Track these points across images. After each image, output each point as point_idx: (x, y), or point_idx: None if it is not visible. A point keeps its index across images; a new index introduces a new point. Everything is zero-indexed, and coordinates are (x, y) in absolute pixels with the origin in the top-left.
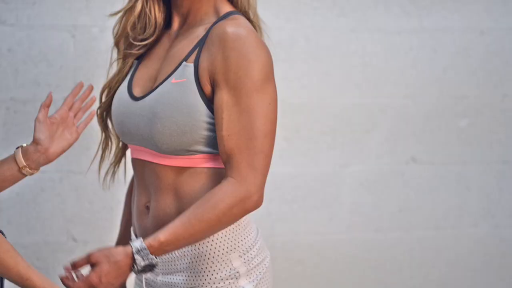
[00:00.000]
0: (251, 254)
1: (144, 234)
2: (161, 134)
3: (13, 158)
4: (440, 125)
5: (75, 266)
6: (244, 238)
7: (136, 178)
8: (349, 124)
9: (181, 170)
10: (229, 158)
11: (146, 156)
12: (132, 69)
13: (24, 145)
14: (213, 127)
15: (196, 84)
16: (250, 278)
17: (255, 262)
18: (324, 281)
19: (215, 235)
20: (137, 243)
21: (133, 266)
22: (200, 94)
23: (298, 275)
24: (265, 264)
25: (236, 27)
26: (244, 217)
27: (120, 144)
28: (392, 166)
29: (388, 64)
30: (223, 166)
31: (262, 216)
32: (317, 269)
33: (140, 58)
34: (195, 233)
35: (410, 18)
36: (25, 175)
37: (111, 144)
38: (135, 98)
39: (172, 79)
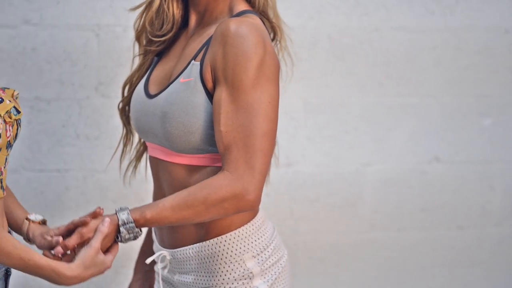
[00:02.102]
0: (265, 254)
1: (161, 232)
2: (170, 133)
3: (21, 224)
4: (463, 124)
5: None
6: (258, 238)
7: (152, 175)
8: (372, 123)
9: (192, 168)
10: (226, 152)
11: (160, 154)
12: (152, 66)
13: (32, 217)
14: None
15: (201, 83)
16: (264, 278)
17: (270, 262)
18: (346, 280)
19: (228, 235)
20: (123, 215)
21: (117, 237)
22: (205, 92)
23: (320, 274)
24: (281, 264)
25: (238, 24)
26: (259, 216)
27: (142, 139)
28: (415, 165)
29: (411, 63)
30: None
31: (285, 215)
32: (339, 268)
33: (159, 55)
34: (181, 218)
35: (433, 17)
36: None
37: (132, 139)
38: (150, 96)
39: (181, 78)
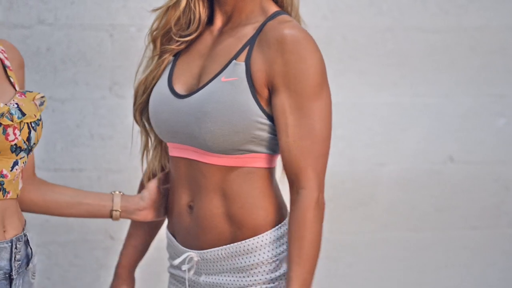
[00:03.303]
0: None
1: (185, 233)
2: (212, 133)
3: (110, 197)
4: (478, 124)
5: None
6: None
7: (176, 176)
8: (386, 123)
9: (229, 169)
10: (296, 166)
11: (192, 154)
12: (170, 66)
13: (117, 192)
14: (265, 126)
15: (248, 83)
16: None
17: None
18: (359, 280)
19: (264, 235)
20: None
21: None
22: (252, 93)
23: (333, 274)
24: None
25: (293, 29)
26: (286, 220)
27: (156, 141)
28: (429, 165)
29: (425, 63)
30: (271, 166)
31: None
32: (351, 268)
33: (176, 55)
34: (314, 264)
35: (447, 17)
36: (108, 217)
37: (151, 141)
38: (179, 96)
39: (222, 77)
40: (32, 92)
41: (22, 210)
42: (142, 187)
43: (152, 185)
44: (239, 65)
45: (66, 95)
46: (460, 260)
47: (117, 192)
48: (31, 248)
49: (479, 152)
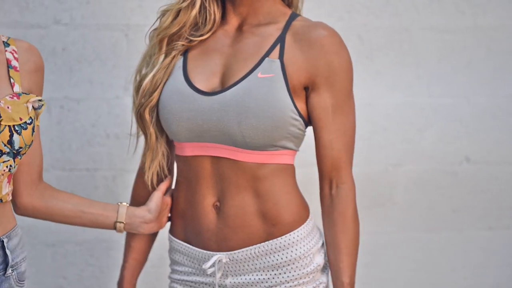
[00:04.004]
0: (324, 247)
1: (210, 235)
2: (255, 129)
3: (115, 208)
4: (494, 125)
5: None
6: (317, 232)
7: (197, 177)
8: (402, 123)
9: (260, 166)
10: (337, 161)
11: (220, 152)
12: (180, 64)
13: (124, 204)
14: (296, 122)
15: (284, 80)
16: (326, 270)
17: (325, 254)
18: (375, 280)
19: (296, 231)
20: None
21: None
22: (287, 89)
23: None
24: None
25: (328, 30)
26: (311, 213)
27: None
28: (445, 166)
29: (441, 63)
30: (293, 163)
31: (315, 215)
32: (368, 268)
33: (184, 54)
34: (357, 258)
35: (464, 17)
36: (111, 228)
37: (158, 141)
38: (204, 93)
39: (258, 73)
40: (29, 94)
41: (25, 216)
42: (139, 191)
43: (158, 195)
44: (274, 62)
45: (82, 94)
46: (477, 261)
47: (123, 203)
48: (8, 255)
49: (496, 153)
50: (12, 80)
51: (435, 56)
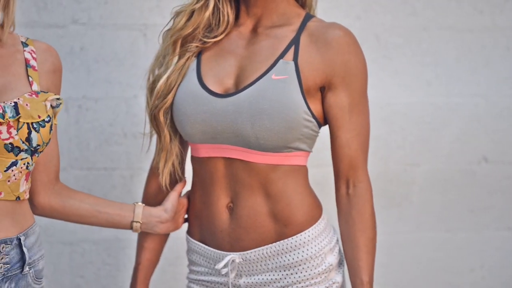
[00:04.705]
0: (337, 246)
1: (223, 236)
2: (269, 130)
3: (132, 208)
4: None
5: None
6: (330, 232)
7: (212, 178)
8: (420, 123)
9: (273, 167)
10: (355, 160)
11: (234, 153)
12: (193, 66)
13: (140, 204)
14: (309, 124)
15: (298, 81)
16: (340, 269)
17: (340, 253)
18: (392, 281)
19: (307, 231)
20: None
21: None
22: (300, 91)
23: None
24: (342, 254)
25: (344, 30)
26: (324, 212)
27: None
28: (463, 165)
29: (459, 63)
30: (306, 164)
31: (331, 215)
32: (385, 268)
33: (198, 55)
34: (375, 256)
35: (482, 16)
36: (128, 228)
37: (172, 142)
38: (218, 95)
39: (272, 75)
40: (47, 93)
41: (42, 216)
42: (151, 191)
43: (174, 195)
44: (288, 64)
45: (99, 94)
46: (495, 261)
47: (139, 203)
48: (25, 252)
49: None
50: (30, 79)
51: (453, 56)
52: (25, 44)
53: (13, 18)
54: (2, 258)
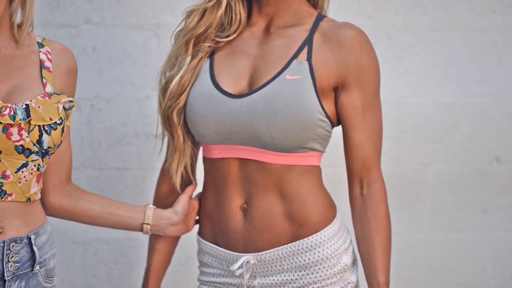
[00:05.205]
0: (351, 246)
1: (237, 237)
2: (284, 130)
3: (143, 210)
4: None
5: None
6: (344, 232)
7: (225, 179)
8: (431, 122)
9: (288, 168)
10: (368, 160)
11: (248, 154)
12: (206, 66)
13: (150, 206)
14: (323, 124)
15: (312, 81)
16: (354, 269)
17: (355, 253)
18: (404, 281)
19: (323, 231)
20: None
21: None
22: (315, 90)
23: None
24: (356, 254)
25: (356, 30)
26: (338, 212)
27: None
28: (475, 165)
29: (471, 63)
30: (320, 164)
31: (344, 215)
32: (396, 269)
33: (211, 55)
34: (390, 256)
35: (494, 16)
36: (138, 230)
37: (186, 143)
38: (232, 95)
39: (287, 75)
40: (60, 95)
41: (53, 216)
42: (163, 191)
43: (185, 198)
44: (302, 64)
45: (112, 94)
46: (507, 261)
47: (150, 205)
48: (35, 251)
49: None
50: (44, 80)
51: (464, 55)
52: (41, 45)
53: (31, 18)
54: (12, 257)
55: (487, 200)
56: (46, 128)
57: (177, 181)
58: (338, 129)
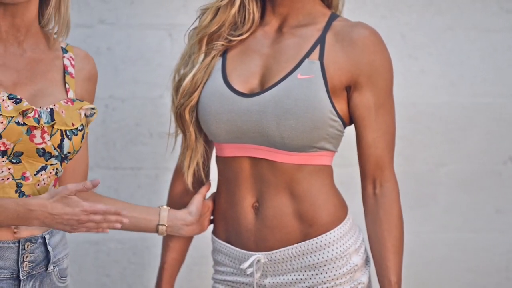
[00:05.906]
0: (362, 247)
1: (249, 236)
2: (294, 130)
3: (157, 211)
4: None
5: None
6: (355, 232)
7: (237, 178)
8: (445, 123)
9: (298, 167)
10: (381, 160)
11: (259, 153)
12: (219, 64)
13: (165, 207)
14: (335, 123)
15: (324, 81)
16: (365, 269)
17: (366, 254)
18: (418, 281)
19: (333, 231)
20: None
21: None
22: (326, 90)
23: None
24: (368, 254)
25: (369, 29)
26: (349, 212)
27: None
28: (489, 165)
29: (485, 63)
30: (331, 164)
31: (357, 215)
32: (410, 269)
33: (223, 54)
34: (402, 256)
35: (508, 16)
36: (154, 231)
37: (198, 141)
38: (243, 95)
39: (298, 75)
40: (82, 101)
41: None
42: (176, 191)
43: (199, 198)
44: (314, 63)
45: (126, 94)
46: None
47: (164, 207)
48: (50, 251)
49: None
50: (67, 86)
51: (478, 55)
52: (64, 50)
53: (66, 23)
54: (27, 257)
55: (501, 200)
56: (68, 133)
57: (189, 179)
58: (351, 129)
